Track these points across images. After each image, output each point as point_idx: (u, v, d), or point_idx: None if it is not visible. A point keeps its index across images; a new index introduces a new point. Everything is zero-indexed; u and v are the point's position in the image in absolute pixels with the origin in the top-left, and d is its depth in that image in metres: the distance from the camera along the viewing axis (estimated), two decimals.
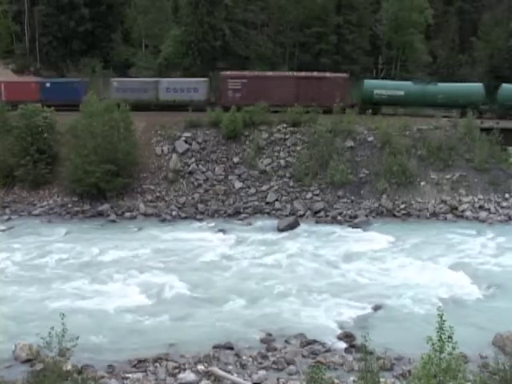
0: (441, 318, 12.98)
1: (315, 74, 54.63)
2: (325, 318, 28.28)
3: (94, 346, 25.16)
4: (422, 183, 46.29)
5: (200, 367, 23.88)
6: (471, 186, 45.95)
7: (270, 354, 25.11)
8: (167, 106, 53.13)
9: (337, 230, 41.88)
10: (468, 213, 44.03)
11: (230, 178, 47.47)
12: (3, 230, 41.52)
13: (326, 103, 50.85)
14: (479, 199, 45.08)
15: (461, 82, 56.20)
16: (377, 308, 29.65)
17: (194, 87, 54.00)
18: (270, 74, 55.99)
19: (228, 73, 54.57)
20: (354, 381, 21.24)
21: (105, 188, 45.21)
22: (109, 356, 24.78)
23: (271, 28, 67.13)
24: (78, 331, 18.70)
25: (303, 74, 54.97)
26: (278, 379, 23.14)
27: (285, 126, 49.47)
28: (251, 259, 36.41)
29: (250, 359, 24.70)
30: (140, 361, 24.40)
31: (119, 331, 26.91)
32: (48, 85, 54.60)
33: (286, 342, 26.30)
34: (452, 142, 47.92)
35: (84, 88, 53.15)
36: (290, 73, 57.07)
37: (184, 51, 61.88)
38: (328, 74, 54.49)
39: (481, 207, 44.58)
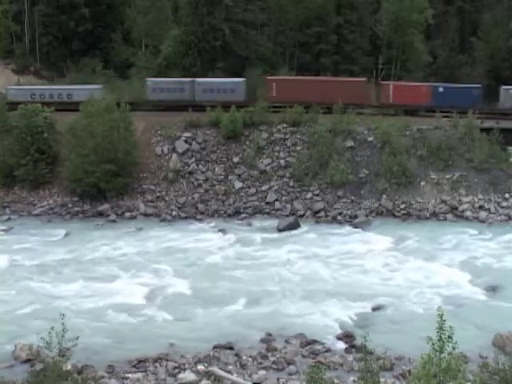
0: (441, 317, 12.97)
1: None
2: (325, 318, 28.26)
3: (94, 346, 25.14)
4: (422, 183, 46.28)
5: (200, 367, 23.86)
6: (471, 186, 45.93)
7: (269, 353, 25.09)
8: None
9: (337, 230, 41.88)
10: (468, 213, 44.01)
11: (229, 177, 47.47)
12: (3, 230, 41.50)
13: None
14: (479, 199, 45.05)
15: None
16: (377, 308, 29.64)
17: None
18: None
19: None
20: (353, 381, 21.30)
21: (105, 188, 45.22)
22: (109, 356, 24.76)
23: (271, 28, 67.10)
24: (78, 331, 18.72)
25: None
26: (278, 379, 23.12)
27: (285, 125, 49.44)
28: (251, 259, 36.39)
29: (250, 359, 24.68)
30: (140, 361, 24.38)
31: (119, 331, 26.90)
32: (441, 89, 52.53)
33: (286, 342, 26.29)
34: (452, 142, 47.90)
35: (479, 94, 51.91)
36: None
37: (184, 51, 61.89)
38: None
39: (481, 207, 44.56)
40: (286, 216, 44.06)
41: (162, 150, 48.92)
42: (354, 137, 48.61)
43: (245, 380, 22.92)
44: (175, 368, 23.85)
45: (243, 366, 24.13)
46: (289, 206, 45.31)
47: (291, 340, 26.32)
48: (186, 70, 61.20)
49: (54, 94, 54.15)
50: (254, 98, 51.94)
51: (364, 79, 55.01)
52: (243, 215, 44.66)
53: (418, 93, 52.57)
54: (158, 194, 46.73)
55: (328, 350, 25.41)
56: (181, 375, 23.28)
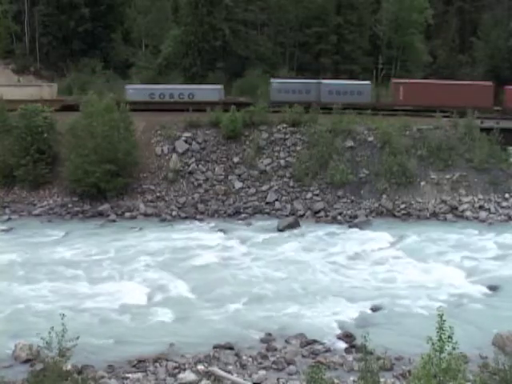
0: (441, 317, 12.95)
1: None
2: (325, 318, 28.22)
3: (94, 346, 25.11)
4: (422, 183, 46.30)
5: (200, 367, 23.81)
6: (471, 186, 45.96)
7: (269, 353, 25.03)
8: None
9: (337, 230, 41.87)
10: (468, 213, 44.03)
11: (229, 177, 47.48)
12: (3, 230, 41.50)
13: None
14: (479, 199, 45.08)
15: None
16: (377, 308, 29.59)
17: None
18: None
19: None
20: (353, 381, 21.28)
21: (105, 188, 45.23)
22: (109, 356, 24.71)
23: (271, 28, 67.21)
24: (78, 331, 18.70)
25: None
26: (278, 379, 23.09)
27: (285, 125, 49.47)
28: (251, 259, 36.37)
29: (250, 359, 24.63)
30: (140, 361, 24.31)
31: (119, 331, 26.87)
32: None
33: (286, 342, 26.24)
34: (452, 142, 47.93)
35: None
36: None
37: (184, 51, 61.96)
38: None
39: (481, 207, 44.58)
40: (286, 216, 44.06)
41: (162, 150, 48.93)
42: (354, 137, 48.63)
43: (245, 380, 22.90)
44: (175, 368, 23.80)
45: (243, 366, 24.08)
46: (289, 206, 45.32)
47: (291, 340, 26.27)
48: (186, 70, 61.26)
49: (174, 94, 53.29)
50: (378, 100, 52.70)
51: (491, 84, 55.11)
52: (243, 215, 44.67)
53: None
54: (158, 194, 46.74)
55: (328, 350, 25.34)
56: (181, 375, 23.24)
